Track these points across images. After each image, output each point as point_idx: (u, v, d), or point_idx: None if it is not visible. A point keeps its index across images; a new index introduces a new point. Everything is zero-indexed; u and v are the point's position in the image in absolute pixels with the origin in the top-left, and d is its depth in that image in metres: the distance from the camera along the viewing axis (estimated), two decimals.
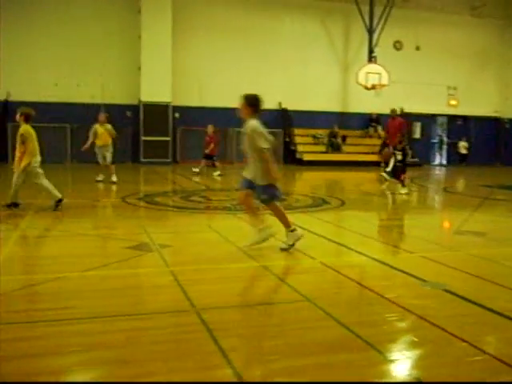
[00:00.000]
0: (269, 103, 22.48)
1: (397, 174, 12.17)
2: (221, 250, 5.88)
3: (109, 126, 13.02)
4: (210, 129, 16.12)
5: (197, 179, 14.53)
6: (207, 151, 15.84)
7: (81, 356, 3.04)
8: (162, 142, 19.70)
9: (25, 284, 4.35)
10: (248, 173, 5.77)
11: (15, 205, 8.09)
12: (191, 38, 20.58)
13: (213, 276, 4.82)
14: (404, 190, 11.93)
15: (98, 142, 12.75)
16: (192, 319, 3.60)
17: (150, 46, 19.27)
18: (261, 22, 21.61)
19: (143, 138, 19.76)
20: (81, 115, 18.93)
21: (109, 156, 12.74)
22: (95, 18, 19.68)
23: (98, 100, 19.70)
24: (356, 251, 5.91)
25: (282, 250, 5.63)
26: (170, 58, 19.58)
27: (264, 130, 5.73)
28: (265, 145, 5.56)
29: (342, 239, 6.81)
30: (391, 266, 5.15)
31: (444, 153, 25.96)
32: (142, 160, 19.71)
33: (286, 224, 5.78)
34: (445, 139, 25.67)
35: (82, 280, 4.56)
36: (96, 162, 13.03)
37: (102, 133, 12.81)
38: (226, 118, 20.61)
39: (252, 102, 5.92)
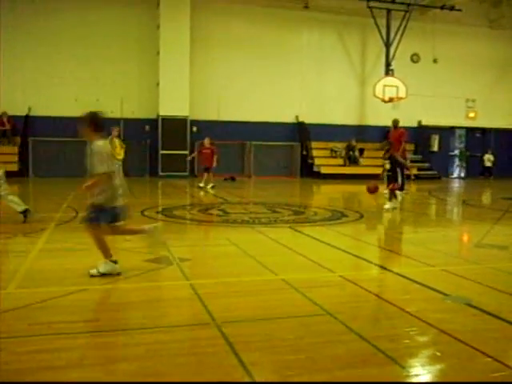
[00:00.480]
0: (286, 116, 22.71)
1: (388, 183, 11.52)
2: (240, 263, 5.89)
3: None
4: (207, 141, 15.96)
5: (212, 191, 14.57)
6: (208, 164, 15.68)
7: (103, 369, 3.05)
8: (180, 155, 19.81)
9: (46, 297, 4.38)
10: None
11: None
12: (209, 52, 20.76)
13: (232, 289, 4.82)
14: (388, 205, 10.87)
15: (119, 156, 12.97)
16: (212, 332, 3.60)
17: (169, 61, 19.48)
18: (278, 35, 21.72)
19: (161, 151, 19.90)
20: None
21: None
22: (115, 35, 19.96)
23: (117, 115, 19.90)
24: (375, 264, 5.87)
25: (91, 276, 5.00)
26: (187, 73, 19.76)
27: (109, 152, 5.25)
28: (101, 170, 5.01)
29: (361, 252, 6.77)
30: (411, 280, 5.10)
31: (463, 165, 25.69)
32: (160, 173, 19.84)
33: (105, 253, 5.13)
34: (464, 151, 25.39)
35: (103, 293, 4.60)
36: None
37: (120, 146, 13.07)
38: (243, 132, 20.78)
39: (90, 120, 5.19)
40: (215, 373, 3.01)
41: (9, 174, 15.86)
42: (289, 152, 22.40)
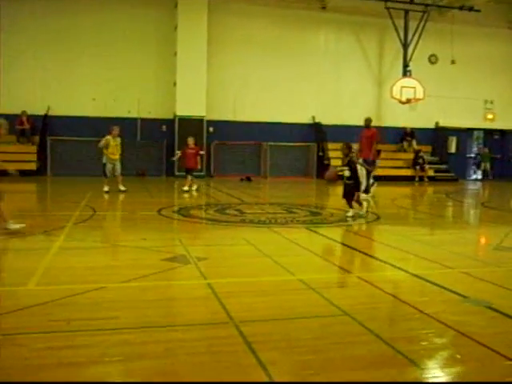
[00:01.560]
0: (302, 117, 22.64)
1: (344, 193, 9.74)
2: (257, 263, 5.90)
3: (119, 140, 13.66)
4: (191, 141, 14.97)
5: (197, 194, 14.56)
6: (192, 165, 14.65)
7: (122, 366, 3.07)
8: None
9: (65, 294, 4.42)
10: None
11: None
12: (226, 53, 20.80)
13: (250, 289, 4.82)
14: (350, 213, 9.56)
15: (112, 155, 13.37)
16: (230, 331, 3.61)
17: (186, 62, 19.54)
18: (295, 36, 21.71)
19: (178, 151, 19.92)
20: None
21: (119, 167, 13.52)
22: (133, 36, 20.06)
23: (134, 114, 20.05)
24: (393, 266, 5.84)
25: None
26: (204, 73, 19.80)
27: None
28: None
29: (378, 253, 6.74)
30: (430, 282, 5.06)
31: (486, 167, 25.35)
32: (177, 173, 19.90)
33: None
34: (487, 153, 25.03)
35: (122, 291, 4.62)
36: (104, 174, 13.55)
37: (115, 145, 13.45)
38: (260, 132, 20.79)
39: None
40: (233, 372, 3.02)
41: (27, 173, 16.15)
42: (305, 153, 22.36)
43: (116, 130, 13.54)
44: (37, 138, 19.12)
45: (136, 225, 8.92)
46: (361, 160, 12.88)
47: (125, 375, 2.95)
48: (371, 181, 13.39)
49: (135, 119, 20.15)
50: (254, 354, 3.21)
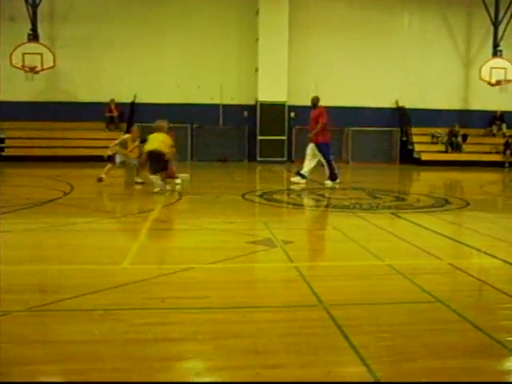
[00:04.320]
0: (385, 101, 22.03)
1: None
2: (343, 247, 5.84)
3: (138, 142, 11.99)
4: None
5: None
6: None
7: (216, 343, 3.13)
8: (278, 141, 19.92)
9: (157, 273, 4.56)
10: None
11: None
12: (307, 36, 20.62)
13: (337, 273, 4.78)
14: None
15: (130, 154, 11.71)
16: (320, 314, 3.59)
17: (267, 47, 19.53)
18: (378, 17, 21.13)
19: (259, 137, 20.08)
20: (200, 115, 19.86)
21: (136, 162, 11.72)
22: (215, 24, 20.31)
23: (216, 101, 20.34)
24: (486, 253, 5.61)
25: None
26: (286, 58, 19.71)
27: None
28: None
29: (469, 240, 6.49)
30: None
31: None
32: (259, 159, 20.04)
33: None
34: None
35: (211, 272, 4.72)
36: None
37: (134, 147, 11.87)
38: (342, 117, 20.48)
39: None
40: (326, 353, 3.01)
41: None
42: (388, 138, 21.86)
43: (136, 131, 12.27)
44: (124, 125, 19.82)
45: (221, 208, 9.05)
46: (311, 145, 12.25)
47: (217, 352, 3.01)
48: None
49: (217, 105, 20.43)
50: (346, 338, 3.18)
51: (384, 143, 21.86)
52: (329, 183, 12.04)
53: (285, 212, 9.02)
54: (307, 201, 9.81)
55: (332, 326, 3.38)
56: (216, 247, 5.79)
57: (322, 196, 10.47)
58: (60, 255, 5.39)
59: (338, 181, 12.18)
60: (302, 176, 12.36)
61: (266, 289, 4.37)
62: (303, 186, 11.93)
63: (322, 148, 12.12)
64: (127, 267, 4.77)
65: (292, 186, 11.85)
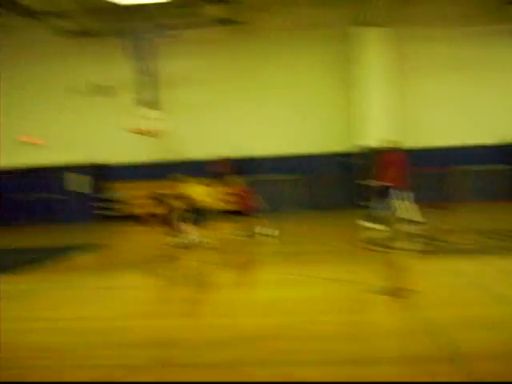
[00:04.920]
0: (488, 138, 20.37)
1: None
2: (472, 295, 5.67)
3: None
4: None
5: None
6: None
7: None
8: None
9: (282, 325, 4.68)
10: None
11: None
12: (412, 78, 20.23)
13: (471, 321, 4.67)
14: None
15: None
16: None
17: (371, 92, 19.52)
18: (480, 51, 20.34)
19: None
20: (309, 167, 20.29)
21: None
22: (314, 72, 20.75)
23: (317, 150, 20.47)
24: None
25: None
26: (392, 101, 19.54)
27: None
28: None
29: None
30: None
31: None
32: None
33: None
34: None
35: (330, 325, 4.79)
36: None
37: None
38: (445, 156, 19.79)
39: None
40: None
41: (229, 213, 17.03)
42: (497, 175, 20.64)
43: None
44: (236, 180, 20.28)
45: (337, 257, 9.05)
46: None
47: None
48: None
49: (319, 155, 20.54)
50: None
51: (493, 181, 20.67)
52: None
53: (405, 259, 8.78)
54: (426, 246, 9.45)
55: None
56: (337, 297, 5.85)
57: (439, 240, 10.14)
58: None
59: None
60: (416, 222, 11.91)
61: (394, 340, 4.35)
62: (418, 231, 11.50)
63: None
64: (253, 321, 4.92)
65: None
